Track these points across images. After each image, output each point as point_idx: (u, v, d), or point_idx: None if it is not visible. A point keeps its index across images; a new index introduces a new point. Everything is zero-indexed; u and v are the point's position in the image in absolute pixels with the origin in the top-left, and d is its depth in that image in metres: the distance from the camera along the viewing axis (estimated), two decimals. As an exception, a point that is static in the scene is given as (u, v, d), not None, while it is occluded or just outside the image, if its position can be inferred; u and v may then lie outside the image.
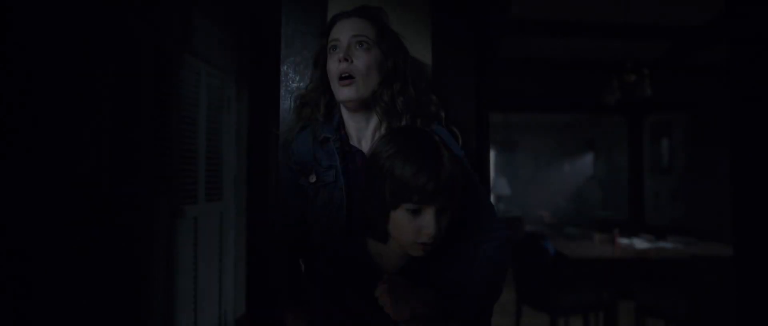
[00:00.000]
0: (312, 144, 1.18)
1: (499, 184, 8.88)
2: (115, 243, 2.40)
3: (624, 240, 3.73)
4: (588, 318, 3.54)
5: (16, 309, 1.85)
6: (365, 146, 1.18)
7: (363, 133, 1.19)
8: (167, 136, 2.84)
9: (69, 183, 2.12)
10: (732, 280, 3.18)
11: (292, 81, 1.41)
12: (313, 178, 1.17)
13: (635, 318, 3.54)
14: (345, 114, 1.20)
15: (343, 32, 1.15)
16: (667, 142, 7.66)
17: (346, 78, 1.13)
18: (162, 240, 2.79)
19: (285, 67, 1.41)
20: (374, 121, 1.18)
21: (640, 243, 3.67)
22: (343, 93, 1.14)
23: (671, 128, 7.46)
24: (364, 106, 1.17)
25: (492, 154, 9.50)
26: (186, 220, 3.04)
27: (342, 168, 1.15)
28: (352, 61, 1.13)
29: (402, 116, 1.15)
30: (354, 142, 1.19)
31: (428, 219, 0.95)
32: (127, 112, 2.49)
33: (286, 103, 1.39)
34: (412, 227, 0.96)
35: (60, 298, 2.08)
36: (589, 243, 3.85)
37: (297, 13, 1.41)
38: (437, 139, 0.99)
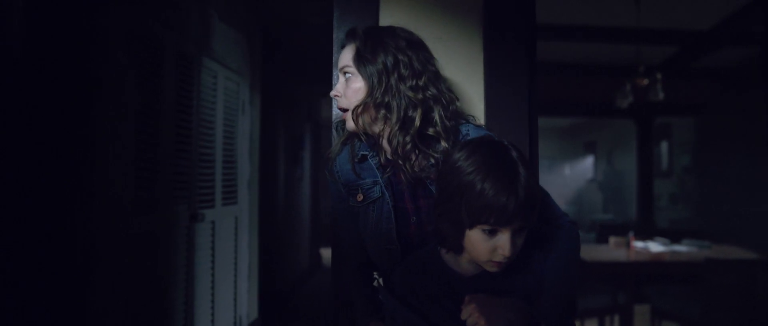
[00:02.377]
0: (352, 163, 1.19)
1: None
2: (137, 249, 2.37)
3: (639, 244, 3.75)
4: (603, 321, 3.55)
5: (24, 310, 1.83)
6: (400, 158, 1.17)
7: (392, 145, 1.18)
8: (187, 140, 2.82)
9: (97, 187, 2.10)
10: (746, 283, 3.21)
11: (344, 86, 1.40)
12: (360, 197, 1.18)
13: (650, 322, 3.56)
14: None
15: (338, 66, 1.19)
16: (666, 145, 7.72)
17: (344, 111, 1.17)
18: (182, 244, 2.77)
19: (337, 72, 1.40)
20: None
21: (654, 247, 3.69)
22: (346, 125, 1.17)
23: (671, 131, 7.51)
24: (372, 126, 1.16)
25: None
26: (204, 224, 3.01)
27: (384, 181, 1.15)
28: (341, 95, 1.16)
29: (398, 122, 1.10)
30: (390, 155, 1.18)
31: (504, 240, 0.93)
32: (150, 116, 2.47)
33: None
34: (487, 246, 0.94)
35: (84, 302, 2.05)
36: (604, 247, 3.86)
37: (349, 18, 1.40)
38: (516, 156, 0.96)
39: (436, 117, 1.10)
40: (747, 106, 5.39)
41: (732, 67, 5.40)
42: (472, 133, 1.14)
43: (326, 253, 7.48)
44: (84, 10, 2.01)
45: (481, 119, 1.38)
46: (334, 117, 1.39)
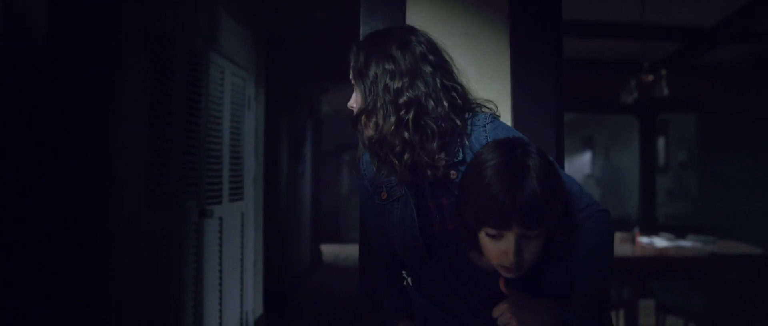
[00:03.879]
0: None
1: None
2: (151, 246, 2.36)
3: (644, 239, 3.77)
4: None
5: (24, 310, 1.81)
6: None
7: None
8: (196, 135, 2.80)
9: (113, 186, 2.08)
10: (750, 278, 3.23)
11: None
12: (384, 194, 1.18)
13: (655, 317, 3.58)
14: None
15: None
16: (663, 141, 7.75)
17: None
18: (191, 240, 2.76)
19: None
20: None
21: (659, 242, 3.71)
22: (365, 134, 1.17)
23: (668, 127, 7.54)
24: None
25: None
26: (212, 220, 3.00)
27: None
28: (353, 105, 1.17)
29: (389, 121, 1.08)
30: (382, 160, 1.17)
31: (507, 244, 0.90)
32: (162, 113, 2.45)
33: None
34: (495, 250, 0.92)
35: (98, 299, 2.04)
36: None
37: (375, 15, 1.40)
38: (532, 163, 0.90)
39: (409, 118, 1.06)
40: (749, 104, 5.42)
41: (734, 65, 5.42)
42: (491, 135, 1.10)
43: (327, 250, 7.47)
44: (99, 8, 2.00)
45: (507, 115, 1.38)
46: None
